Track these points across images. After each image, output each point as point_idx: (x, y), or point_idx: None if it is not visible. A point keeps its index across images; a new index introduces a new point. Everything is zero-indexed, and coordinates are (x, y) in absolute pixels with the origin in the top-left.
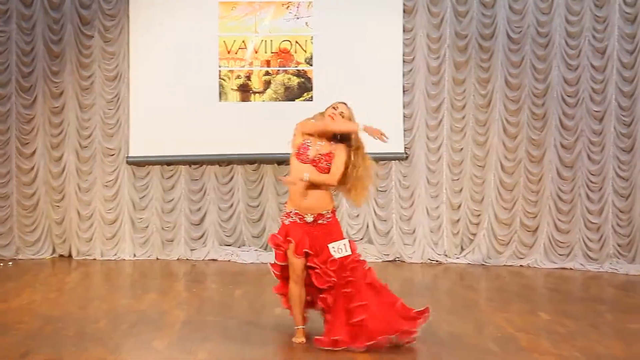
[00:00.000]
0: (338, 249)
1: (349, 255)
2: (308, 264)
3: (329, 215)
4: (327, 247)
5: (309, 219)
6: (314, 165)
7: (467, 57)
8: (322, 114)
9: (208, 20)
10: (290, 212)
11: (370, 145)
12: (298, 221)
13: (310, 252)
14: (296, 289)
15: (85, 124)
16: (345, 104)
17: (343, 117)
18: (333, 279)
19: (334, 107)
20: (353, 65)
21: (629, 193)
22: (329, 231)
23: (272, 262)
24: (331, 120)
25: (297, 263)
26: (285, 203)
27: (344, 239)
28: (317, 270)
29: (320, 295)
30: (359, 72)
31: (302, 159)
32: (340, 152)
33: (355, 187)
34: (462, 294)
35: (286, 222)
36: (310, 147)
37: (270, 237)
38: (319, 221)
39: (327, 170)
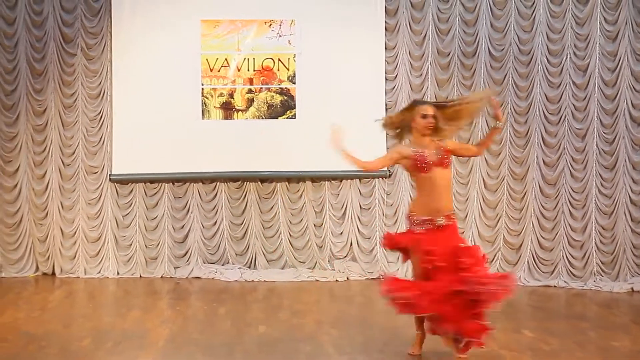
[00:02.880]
0: None
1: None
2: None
3: (454, 216)
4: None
5: (441, 221)
6: (441, 166)
7: (449, 74)
8: (403, 112)
9: (190, 38)
10: (419, 219)
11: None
12: (430, 227)
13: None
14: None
15: (68, 141)
16: (429, 104)
17: (436, 120)
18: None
19: (424, 116)
20: (336, 82)
21: (612, 210)
22: (454, 231)
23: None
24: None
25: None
26: (411, 211)
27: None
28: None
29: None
30: (342, 89)
31: (428, 167)
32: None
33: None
34: None
35: (418, 230)
36: (425, 154)
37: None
38: (448, 222)
39: (450, 163)
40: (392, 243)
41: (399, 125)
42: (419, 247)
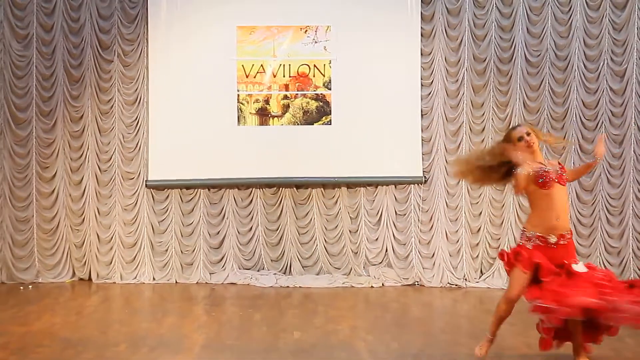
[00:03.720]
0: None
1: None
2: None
3: (569, 235)
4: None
5: (553, 239)
6: (560, 183)
7: (485, 80)
8: (505, 142)
9: (226, 44)
10: (532, 235)
11: (388, 169)
12: (540, 244)
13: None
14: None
15: (105, 147)
16: (522, 126)
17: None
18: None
19: (520, 139)
20: (371, 88)
21: None
22: (570, 251)
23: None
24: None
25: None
26: (525, 226)
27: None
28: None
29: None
30: (378, 95)
31: (549, 184)
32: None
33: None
34: (482, 319)
35: (529, 246)
36: (549, 170)
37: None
38: (561, 242)
39: (567, 179)
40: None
41: (485, 168)
42: (527, 261)
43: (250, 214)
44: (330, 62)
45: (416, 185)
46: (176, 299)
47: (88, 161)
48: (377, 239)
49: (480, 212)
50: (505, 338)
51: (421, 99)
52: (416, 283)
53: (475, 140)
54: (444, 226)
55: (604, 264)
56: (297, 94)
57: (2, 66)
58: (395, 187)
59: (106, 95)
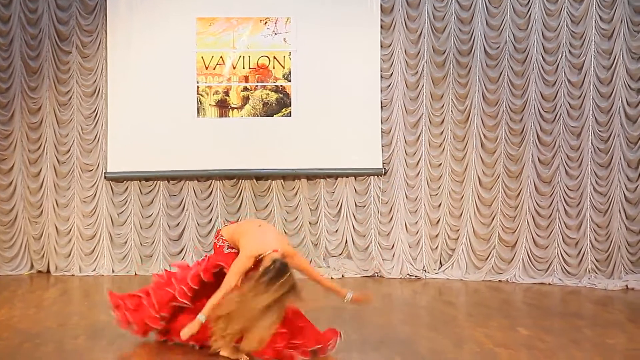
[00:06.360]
0: None
1: None
2: None
3: None
4: None
5: None
6: None
7: (444, 72)
8: None
9: (186, 36)
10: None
11: (348, 161)
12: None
13: None
14: None
15: (63, 139)
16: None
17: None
18: None
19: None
20: (331, 80)
21: (607, 208)
22: None
23: None
24: None
25: None
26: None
27: None
28: None
29: None
30: (337, 87)
31: None
32: None
33: None
34: (442, 309)
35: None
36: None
37: None
38: None
39: None
40: None
41: None
42: None
43: (210, 205)
44: (290, 54)
45: (376, 177)
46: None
47: (46, 153)
48: (336, 231)
49: (440, 204)
50: (464, 329)
51: (381, 91)
52: (376, 274)
53: (435, 132)
54: (404, 218)
55: (561, 255)
56: (257, 86)
57: None
58: (355, 178)
59: (64, 86)
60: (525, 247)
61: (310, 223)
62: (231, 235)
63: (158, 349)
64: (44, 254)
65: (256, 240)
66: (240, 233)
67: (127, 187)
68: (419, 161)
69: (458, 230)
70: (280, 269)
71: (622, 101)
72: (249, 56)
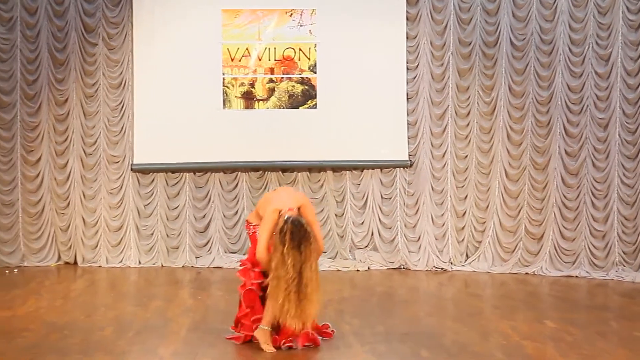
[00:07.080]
0: None
1: None
2: None
3: None
4: None
5: None
6: None
7: (470, 64)
8: None
9: (211, 27)
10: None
11: (374, 153)
12: None
13: None
14: None
15: (90, 131)
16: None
17: None
18: None
19: None
20: (357, 72)
21: (634, 200)
22: None
23: None
24: None
25: None
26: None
27: None
28: None
29: None
30: (363, 79)
31: None
32: None
33: None
34: (468, 302)
35: None
36: None
37: None
38: None
39: None
40: None
41: None
42: None
43: (235, 197)
44: (315, 46)
45: (402, 168)
46: (162, 282)
47: (73, 145)
48: (362, 223)
49: (466, 196)
50: (490, 321)
51: (407, 83)
52: (402, 266)
53: (461, 124)
54: (430, 210)
55: (588, 248)
56: (282, 78)
57: None
58: (381, 170)
59: (91, 78)
60: (552, 239)
61: (336, 215)
62: (256, 216)
63: (185, 340)
64: (71, 245)
65: (274, 202)
66: (260, 206)
67: (153, 179)
68: (445, 153)
69: (484, 222)
70: (294, 223)
71: None
72: (275, 48)
